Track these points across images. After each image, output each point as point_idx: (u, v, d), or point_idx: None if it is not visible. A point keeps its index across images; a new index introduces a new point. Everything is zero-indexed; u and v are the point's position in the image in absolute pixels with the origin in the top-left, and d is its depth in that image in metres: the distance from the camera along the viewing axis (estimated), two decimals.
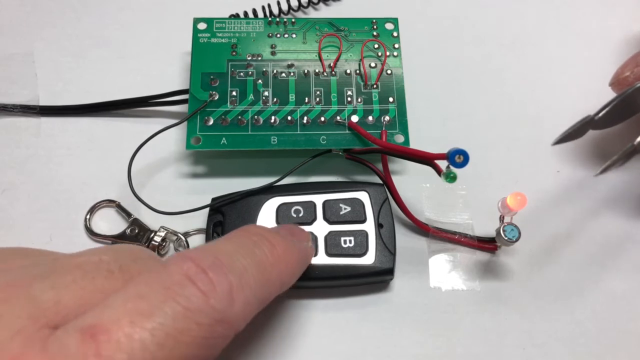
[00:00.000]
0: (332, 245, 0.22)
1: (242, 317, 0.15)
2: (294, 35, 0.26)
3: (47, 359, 0.11)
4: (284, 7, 0.29)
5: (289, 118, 0.24)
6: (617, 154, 0.21)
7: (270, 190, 0.23)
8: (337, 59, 0.26)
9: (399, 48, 0.26)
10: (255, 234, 0.17)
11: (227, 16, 0.27)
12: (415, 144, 0.24)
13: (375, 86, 0.25)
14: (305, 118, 0.24)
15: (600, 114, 0.21)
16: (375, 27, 0.27)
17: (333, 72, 0.26)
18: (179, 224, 0.23)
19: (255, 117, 0.24)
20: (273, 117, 0.24)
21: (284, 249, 0.17)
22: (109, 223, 0.24)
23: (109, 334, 0.12)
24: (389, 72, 0.26)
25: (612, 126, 0.23)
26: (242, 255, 0.15)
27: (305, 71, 0.25)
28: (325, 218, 0.22)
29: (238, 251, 0.15)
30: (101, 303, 0.13)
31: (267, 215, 0.22)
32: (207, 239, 0.22)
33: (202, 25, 0.26)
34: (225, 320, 0.14)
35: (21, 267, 0.14)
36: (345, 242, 0.22)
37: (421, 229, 0.23)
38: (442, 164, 0.20)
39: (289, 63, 0.26)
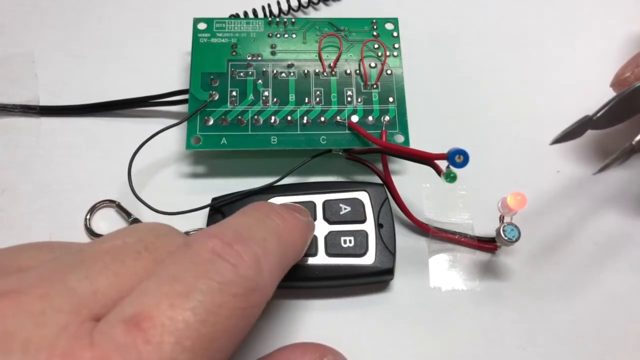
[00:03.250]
0: (332, 245, 0.22)
1: (271, 284, 0.15)
2: (294, 35, 0.26)
3: (98, 352, 0.11)
4: (284, 7, 0.29)
5: (289, 118, 0.24)
6: (615, 152, 0.21)
7: (270, 190, 0.23)
8: (337, 59, 0.26)
9: (399, 48, 0.26)
10: (264, 207, 0.18)
11: (227, 16, 0.27)
12: (415, 144, 0.24)
13: (375, 86, 0.25)
14: (305, 118, 0.24)
15: (599, 114, 0.21)
16: (375, 27, 0.27)
17: (333, 72, 0.26)
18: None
19: (255, 117, 0.24)
20: (273, 117, 0.24)
21: (293, 220, 0.18)
22: (109, 223, 0.24)
23: (152, 320, 0.12)
24: (389, 72, 0.26)
25: (611, 126, 0.23)
26: (260, 227, 0.16)
27: (305, 71, 0.25)
28: (325, 218, 0.22)
29: (255, 224, 0.16)
30: (136, 289, 0.13)
31: None
32: None
33: (202, 25, 0.26)
34: (257, 288, 0.14)
35: (50, 261, 0.14)
36: (345, 242, 0.22)
37: (421, 229, 0.23)
38: (442, 164, 0.20)
39: (289, 63, 0.26)
